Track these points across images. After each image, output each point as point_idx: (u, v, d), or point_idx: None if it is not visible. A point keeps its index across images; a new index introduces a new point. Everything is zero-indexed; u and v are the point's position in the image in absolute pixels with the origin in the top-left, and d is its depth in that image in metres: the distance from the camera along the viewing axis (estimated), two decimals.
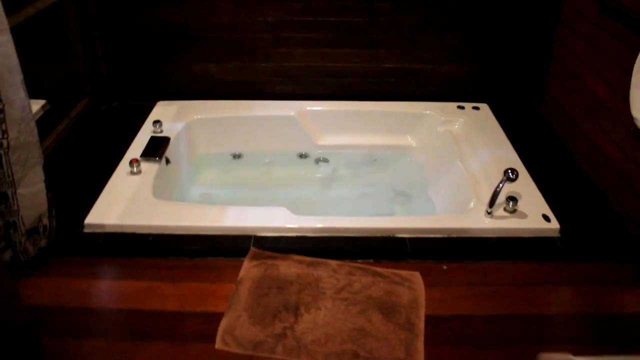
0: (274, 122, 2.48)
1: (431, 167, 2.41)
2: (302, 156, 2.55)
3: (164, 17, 2.39)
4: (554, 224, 1.79)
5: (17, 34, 1.48)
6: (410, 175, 2.46)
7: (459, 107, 2.49)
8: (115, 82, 2.56)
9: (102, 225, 1.77)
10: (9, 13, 1.40)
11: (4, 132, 1.43)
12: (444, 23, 2.41)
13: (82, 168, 2.11)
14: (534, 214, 1.83)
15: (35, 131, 1.54)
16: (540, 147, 2.29)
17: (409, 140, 2.54)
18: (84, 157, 2.19)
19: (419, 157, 2.50)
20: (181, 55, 2.50)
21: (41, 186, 1.59)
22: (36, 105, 2.42)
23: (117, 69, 2.53)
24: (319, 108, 2.51)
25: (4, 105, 1.41)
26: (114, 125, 2.43)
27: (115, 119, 2.49)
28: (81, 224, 1.77)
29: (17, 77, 1.44)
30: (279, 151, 2.55)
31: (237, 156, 2.55)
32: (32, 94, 2.47)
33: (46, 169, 1.60)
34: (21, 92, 1.46)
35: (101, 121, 2.47)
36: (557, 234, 1.79)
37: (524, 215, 1.82)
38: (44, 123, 2.36)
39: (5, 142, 1.44)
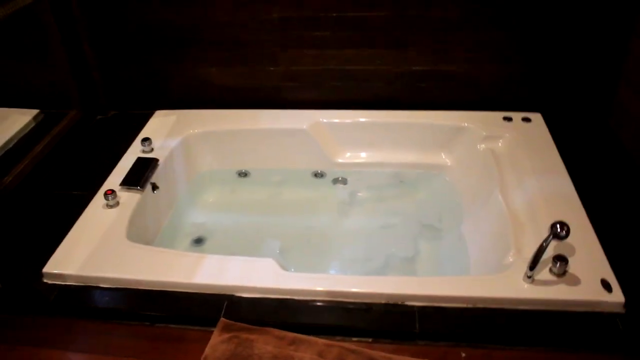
0: (283, 135, 2.14)
1: (469, 194, 1.98)
2: (318, 175, 2.19)
3: (155, 17, 2.08)
4: (617, 296, 1.36)
5: None
6: (443, 203, 2.04)
7: (505, 118, 2.04)
8: (110, 88, 2.30)
9: (61, 276, 1.52)
10: None
11: None
12: (486, 15, 1.94)
13: (60, 195, 1.87)
14: (590, 279, 1.39)
15: None
16: (608, 177, 1.79)
17: (443, 158, 2.11)
18: (64, 181, 1.94)
19: (454, 179, 2.08)
20: (180, 59, 2.18)
21: None
22: (27, 116, 2.21)
23: (111, 74, 2.26)
24: (335, 120, 2.13)
25: None
26: (107, 139, 2.17)
27: (110, 131, 2.23)
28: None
29: None
30: (292, 169, 2.21)
31: (243, 174, 2.23)
32: (24, 103, 2.31)
33: None
34: None
35: (94, 134, 2.21)
36: (620, 310, 1.35)
37: (576, 280, 1.39)
38: (35, 136, 2.16)
39: None
